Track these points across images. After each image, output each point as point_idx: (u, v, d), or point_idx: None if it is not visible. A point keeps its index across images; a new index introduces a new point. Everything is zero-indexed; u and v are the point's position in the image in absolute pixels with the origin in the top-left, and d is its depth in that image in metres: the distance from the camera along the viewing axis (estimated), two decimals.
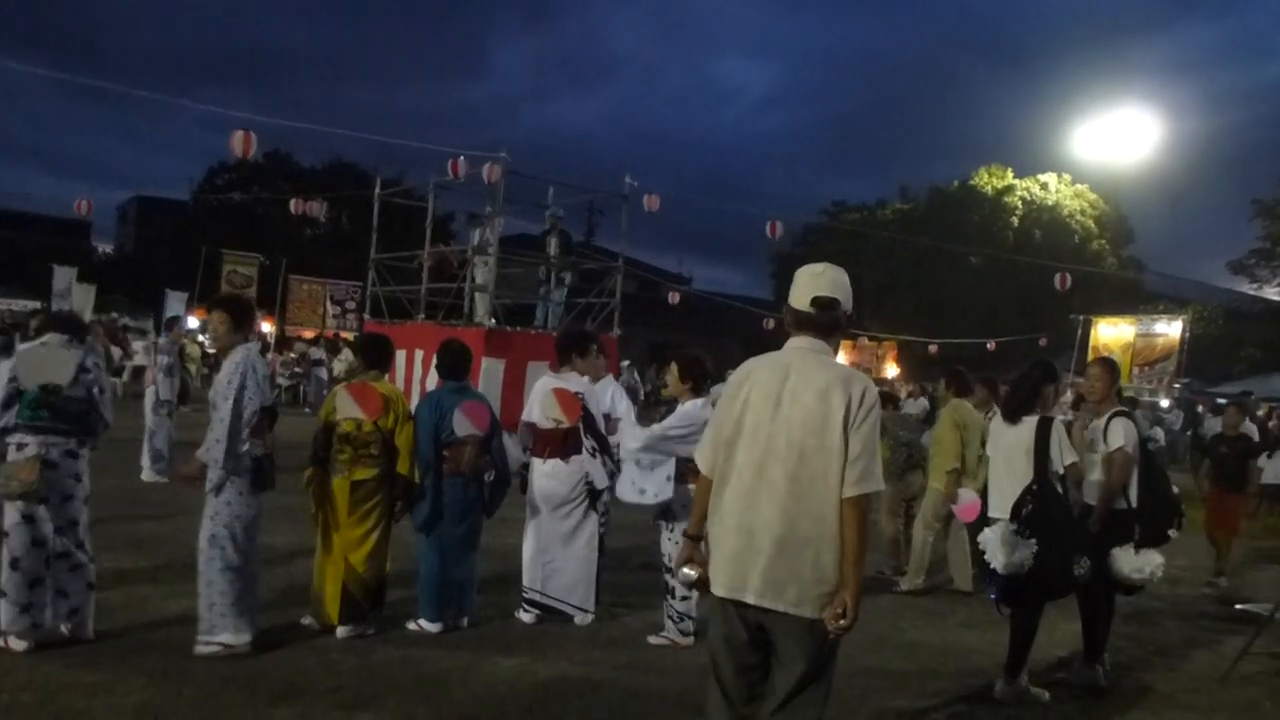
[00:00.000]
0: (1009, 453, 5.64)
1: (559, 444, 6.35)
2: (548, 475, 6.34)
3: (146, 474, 10.82)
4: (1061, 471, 5.46)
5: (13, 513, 5.08)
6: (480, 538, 6.32)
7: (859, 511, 3.17)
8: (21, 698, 4.50)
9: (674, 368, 6.16)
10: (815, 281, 3.40)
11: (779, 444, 3.24)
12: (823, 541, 3.17)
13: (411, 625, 5.97)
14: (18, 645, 5.06)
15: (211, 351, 24.59)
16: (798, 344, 3.41)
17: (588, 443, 6.41)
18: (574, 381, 6.50)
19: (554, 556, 6.36)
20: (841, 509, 3.16)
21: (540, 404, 6.37)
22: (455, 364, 6.29)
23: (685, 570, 3.48)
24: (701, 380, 6.08)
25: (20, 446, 5.10)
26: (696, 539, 3.49)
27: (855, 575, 3.16)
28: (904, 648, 6.49)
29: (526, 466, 6.49)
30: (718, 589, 3.32)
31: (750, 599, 3.23)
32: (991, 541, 5.42)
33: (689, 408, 5.95)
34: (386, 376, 6.16)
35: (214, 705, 4.58)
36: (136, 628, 5.58)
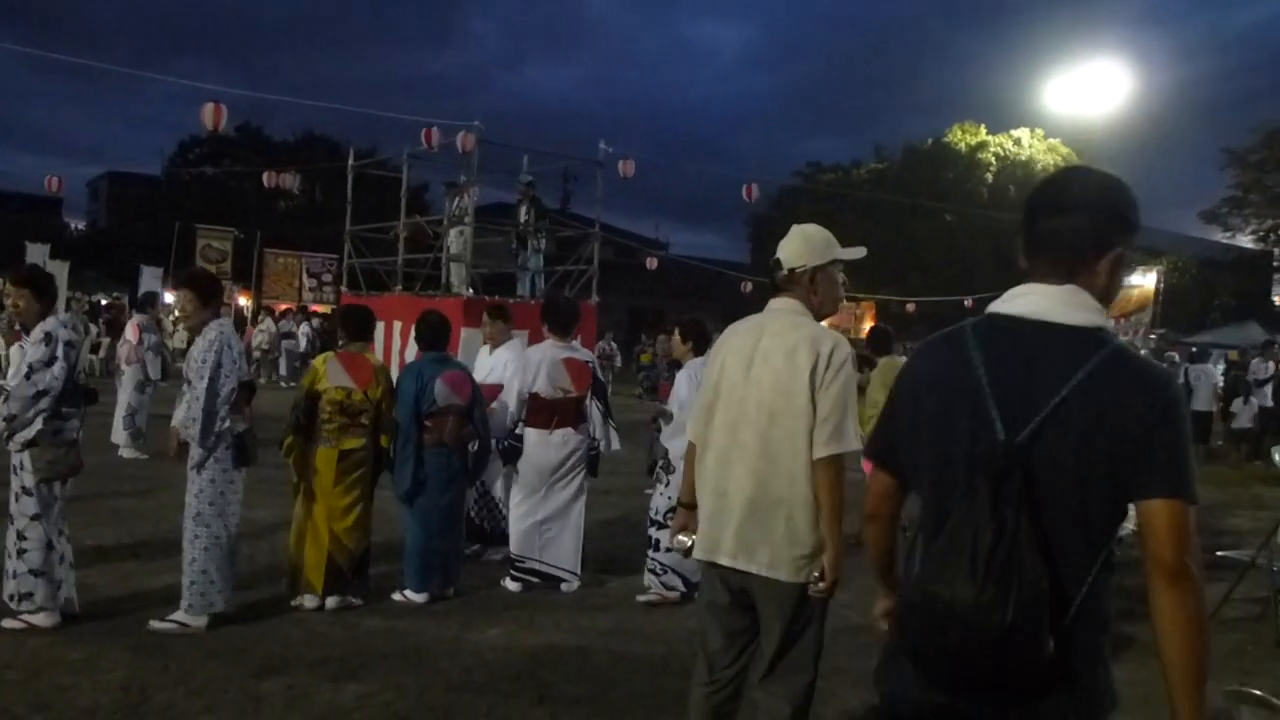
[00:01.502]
0: None
1: (569, 413, 6.36)
2: (557, 445, 6.32)
3: (126, 450, 10.83)
4: None
5: (47, 494, 5.06)
6: (464, 508, 6.33)
7: (831, 473, 3.13)
8: (6, 675, 4.48)
9: (676, 331, 6.40)
10: (780, 245, 3.42)
11: (749, 406, 3.24)
12: (795, 503, 3.15)
13: (397, 596, 5.98)
14: (47, 621, 5.06)
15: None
16: (773, 304, 3.40)
17: (600, 408, 6.52)
18: (581, 351, 6.59)
19: (553, 525, 6.37)
20: (814, 470, 3.13)
21: (548, 374, 6.32)
22: (435, 335, 6.29)
23: (680, 538, 3.50)
24: (701, 341, 6.24)
25: (57, 431, 5.06)
26: (690, 506, 3.49)
27: (834, 537, 3.13)
28: None
29: (519, 438, 6.39)
30: (697, 552, 3.34)
31: (724, 560, 3.24)
32: None
33: (694, 364, 6.15)
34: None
35: (199, 679, 4.57)
36: (119, 604, 5.56)
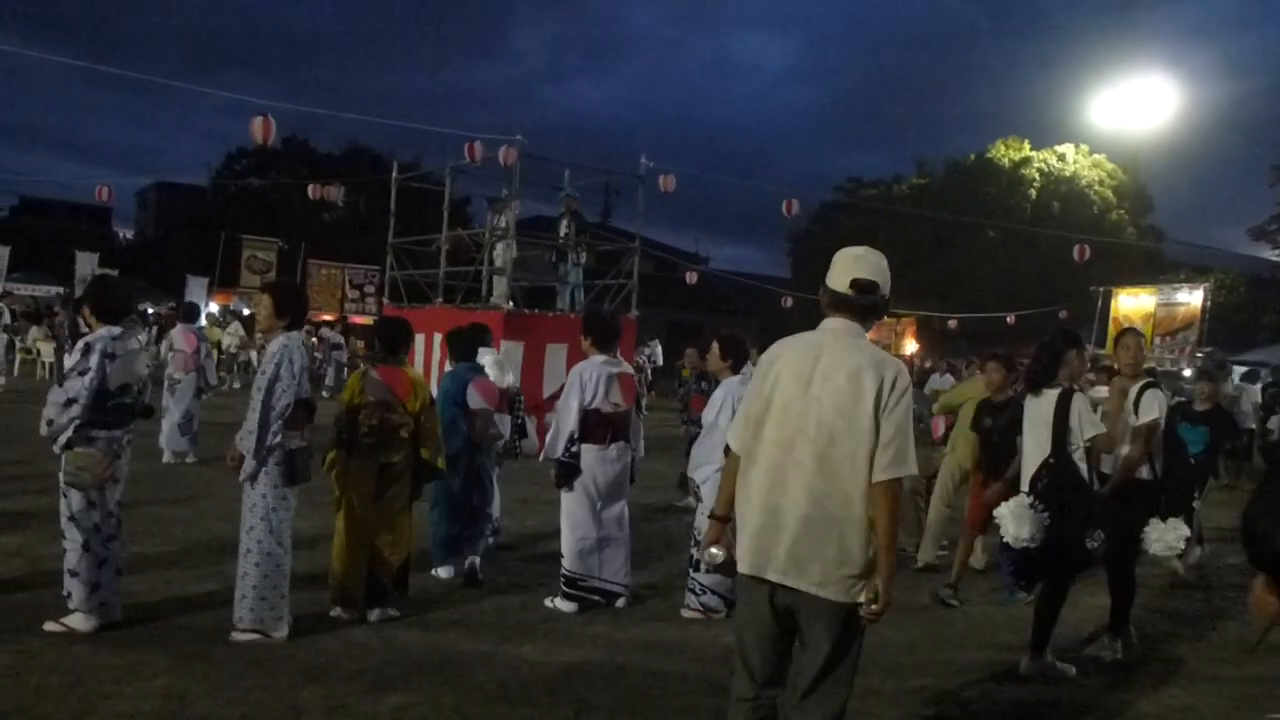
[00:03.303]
0: (1034, 426, 5.58)
1: (621, 427, 6.39)
2: (613, 460, 6.32)
3: (185, 456, 11.03)
4: (1086, 444, 5.39)
5: (79, 498, 5.12)
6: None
7: (891, 495, 3.16)
8: (49, 681, 4.53)
9: (714, 347, 6.56)
10: (856, 264, 3.38)
11: (809, 423, 3.24)
12: (849, 523, 3.17)
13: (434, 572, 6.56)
14: (85, 625, 5.12)
15: (227, 341, 24.83)
16: (832, 325, 3.40)
17: (636, 420, 6.66)
18: (624, 365, 6.64)
19: (612, 540, 6.37)
20: (873, 492, 3.15)
21: (605, 389, 6.30)
22: (469, 347, 7.12)
23: (712, 550, 3.51)
24: (740, 359, 6.40)
25: (91, 440, 5.11)
26: (725, 519, 3.53)
27: (888, 559, 3.15)
28: (927, 624, 6.47)
29: (576, 455, 6.28)
30: (743, 566, 3.34)
31: (773, 576, 3.25)
32: (1005, 515, 5.40)
33: (730, 384, 6.25)
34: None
35: (239, 688, 4.60)
36: (162, 611, 5.61)
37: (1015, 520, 5.30)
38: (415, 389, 5.86)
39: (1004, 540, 5.43)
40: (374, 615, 5.70)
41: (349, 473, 5.75)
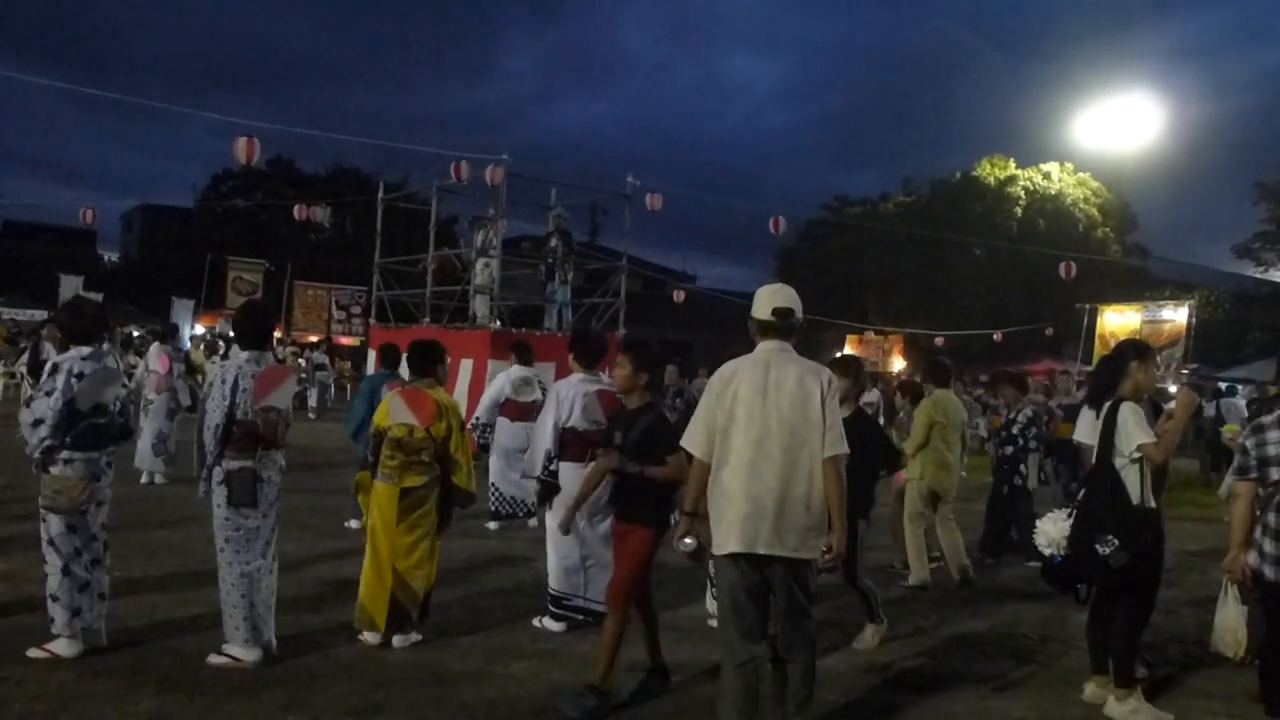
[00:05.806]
0: (1095, 439, 5.48)
1: (601, 445, 6.32)
2: None
3: (160, 477, 11.05)
4: (1133, 455, 5.17)
5: (57, 522, 5.09)
6: None
7: (837, 468, 4.09)
8: (34, 708, 4.50)
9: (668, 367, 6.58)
10: (774, 297, 4.31)
11: (772, 424, 4.08)
12: (811, 495, 4.07)
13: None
14: (69, 651, 5.09)
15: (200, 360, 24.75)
16: (767, 346, 4.26)
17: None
18: (608, 384, 6.59)
19: (596, 560, 6.31)
20: (825, 467, 4.07)
21: (584, 408, 6.31)
22: (394, 358, 8.24)
23: (686, 540, 4.20)
24: None
25: (68, 462, 5.07)
26: (696, 515, 4.24)
27: (840, 518, 4.06)
28: (915, 641, 6.47)
29: (554, 474, 6.29)
30: (733, 546, 4.05)
31: (761, 550, 4.03)
32: (1041, 522, 5.49)
33: None
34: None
35: (225, 712, 4.58)
36: (148, 635, 5.58)
37: (1044, 529, 5.41)
38: (441, 412, 5.74)
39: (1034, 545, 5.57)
40: (398, 641, 5.67)
41: (374, 496, 5.76)
